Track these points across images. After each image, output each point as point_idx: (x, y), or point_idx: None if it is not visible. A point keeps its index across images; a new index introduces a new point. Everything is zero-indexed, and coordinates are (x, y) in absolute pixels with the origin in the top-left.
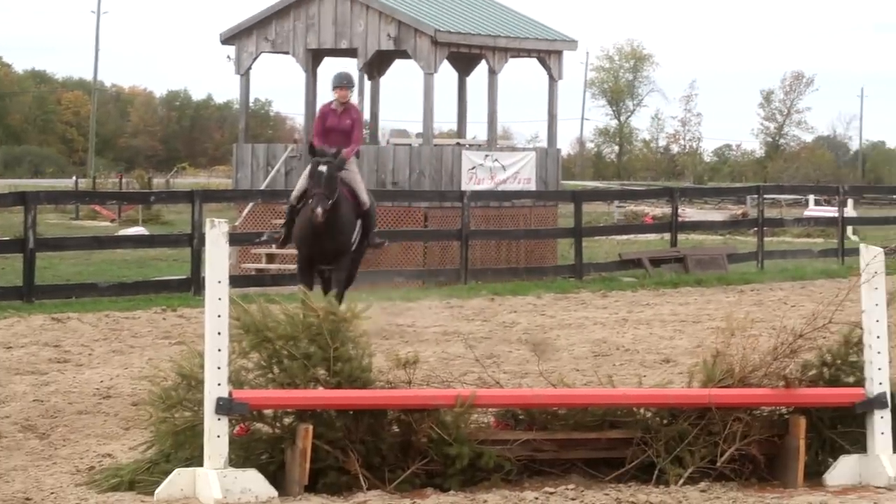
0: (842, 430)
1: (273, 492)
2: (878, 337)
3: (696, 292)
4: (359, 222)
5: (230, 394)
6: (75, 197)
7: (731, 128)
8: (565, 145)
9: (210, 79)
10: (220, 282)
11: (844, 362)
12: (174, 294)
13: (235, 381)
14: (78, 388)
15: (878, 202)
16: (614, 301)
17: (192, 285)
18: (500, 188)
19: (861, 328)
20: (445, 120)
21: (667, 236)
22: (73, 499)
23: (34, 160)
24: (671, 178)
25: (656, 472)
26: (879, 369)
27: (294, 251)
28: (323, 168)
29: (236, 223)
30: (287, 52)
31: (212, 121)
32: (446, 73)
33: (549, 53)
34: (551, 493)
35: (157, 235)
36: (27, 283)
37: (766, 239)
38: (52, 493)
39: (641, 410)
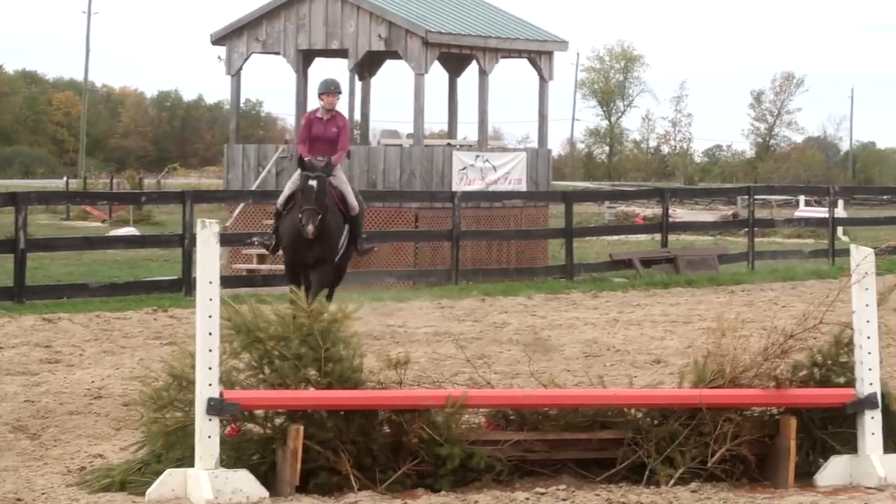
0: (832, 430)
1: (264, 492)
2: (868, 337)
3: (686, 293)
4: (346, 227)
5: (221, 394)
6: (66, 197)
7: (721, 128)
8: (556, 146)
9: (201, 79)
10: (211, 282)
11: (835, 363)
12: (165, 294)
13: (226, 381)
14: (69, 389)
15: (869, 203)
16: (605, 301)
17: (183, 286)
18: (490, 189)
19: (851, 329)
20: (436, 120)
21: (657, 237)
22: (65, 499)
23: (25, 161)
24: (662, 179)
25: (647, 472)
26: (870, 370)
27: None
28: (313, 183)
29: (227, 224)
30: (278, 53)
31: (202, 121)
32: (437, 74)
33: (539, 54)
34: (542, 494)
35: (148, 236)
36: (18, 283)
37: (756, 239)
38: (43, 493)
39: (632, 411)
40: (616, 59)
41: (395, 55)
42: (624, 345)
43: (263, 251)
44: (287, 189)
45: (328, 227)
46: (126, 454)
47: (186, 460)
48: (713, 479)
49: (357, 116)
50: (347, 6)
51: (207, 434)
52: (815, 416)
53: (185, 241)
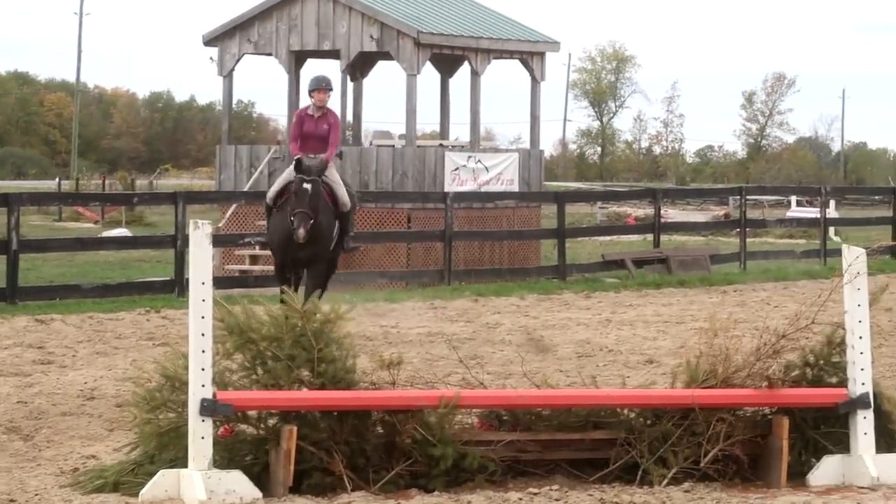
0: (825, 430)
1: (257, 493)
2: (860, 337)
3: (678, 293)
4: (336, 223)
5: (214, 395)
6: (58, 198)
7: (713, 129)
8: (548, 146)
9: (193, 80)
10: (203, 283)
11: (827, 363)
12: (158, 295)
13: (220, 382)
14: (62, 390)
15: (860, 203)
16: (597, 302)
17: (176, 286)
18: (483, 189)
19: (843, 329)
20: (428, 121)
21: (650, 237)
22: (58, 500)
23: (17, 162)
24: (654, 180)
25: (640, 472)
26: (862, 369)
27: None
28: (307, 186)
29: (220, 224)
30: (270, 54)
31: (195, 122)
32: (429, 75)
33: (531, 55)
34: (535, 494)
35: (141, 237)
36: (10, 284)
37: (748, 240)
38: (36, 494)
39: (625, 411)
40: (608, 60)
41: (387, 56)
42: (616, 345)
43: (256, 252)
44: (278, 184)
45: (319, 226)
46: (119, 455)
47: (179, 461)
48: (706, 478)
49: (349, 117)
50: (339, 7)
51: (200, 435)
52: (807, 415)
53: (177, 242)
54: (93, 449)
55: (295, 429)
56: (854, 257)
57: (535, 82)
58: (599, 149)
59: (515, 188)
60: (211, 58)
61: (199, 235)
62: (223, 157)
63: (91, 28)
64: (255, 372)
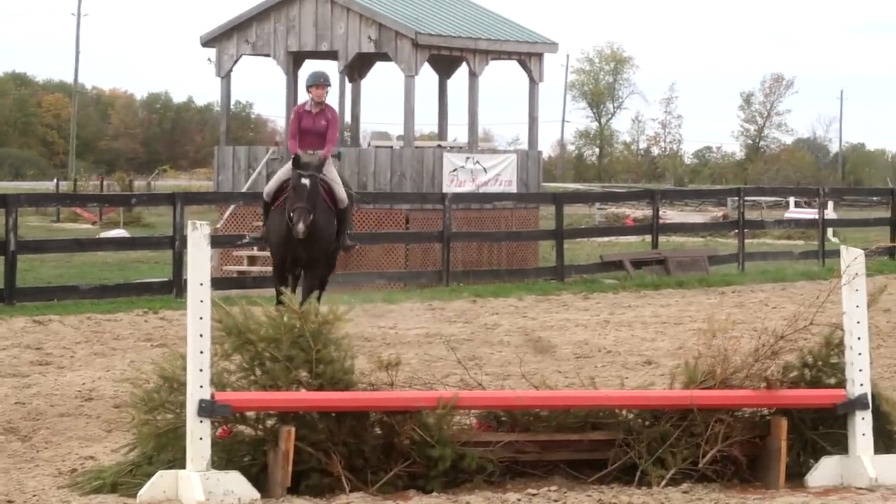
0: (823, 431)
1: (255, 494)
2: (858, 338)
3: (677, 294)
4: (334, 221)
5: (212, 396)
6: (56, 199)
7: (711, 130)
8: (546, 147)
9: (191, 81)
10: (201, 284)
11: (825, 364)
12: (156, 296)
13: (218, 383)
14: (60, 391)
15: (858, 204)
16: (596, 303)
17: (174, 287)
18: (481, 190)
19: (842, 330)
20: (426, 122)
21: (648, 238)
22: (56, 501)
23: (15, 163)
24: (652, 181)
25: (638, 473)
26: (860, 370)
27: None
28: (306, 182)
29: (218, 225)
30: (268, 55)
31: (192, 123)
32: (427, 76)
33: (529, 56)
34: (534, 495)
35: (139, 238)
36: (8, 285)
37: (746, 241)
38: (34, 495)
39: (623, 412)
40: (606, 61)
41: (385, 57)
42: (615, 346)
43: (254, 253)
44: (275, 180)
45: (318, 225)
46: (117, 456)
47: (178, 462)
48: (704, 479)
49: (347, 118)
50: (337, 8)
51: (199, 436)
52: (805, 416)
53: (175, 243)
54: (91, 450)
55: (293, 430)
56: (852, 258)
57: (534, 83)
58: (598, 150)
59: (514, 189)
60: (209, 59)
61: (198, 236)
62: (221, 158)
63: (89, 29)
64: (254, 373)
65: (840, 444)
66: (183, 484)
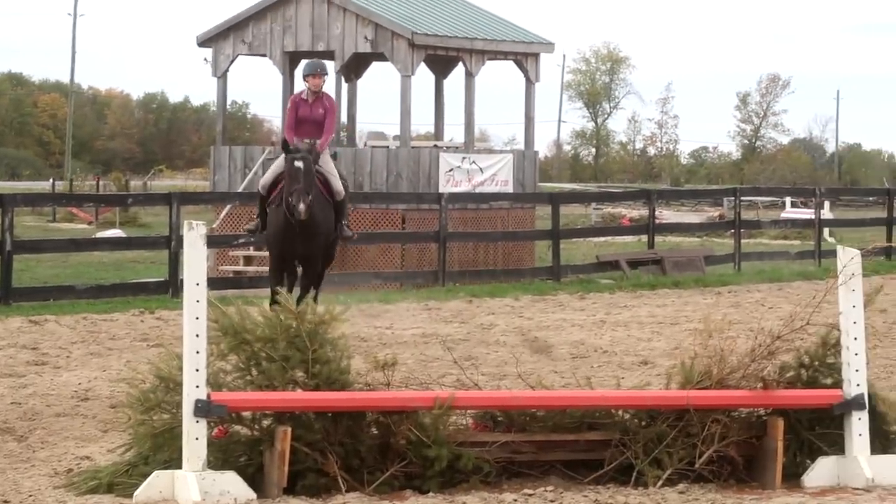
0: (820, 431)
1: (251, 494)
2: (855, 338)
3: (673, 294)
4: (332, 213)
5: (209, 396)
6: (52, 199)
7: (707, 130)
8: (542, 147)
9: (187, 81)
10: (198, 284)
11: (822, 364)
12: (152, 296)
13: (214, 383)
14: (56, 391)
15: (855, 204)
16: (592, 303)
17: (170, 287)
18: (477, 190)
19: (838, 330)
20: (423, 122)
21: (644, 238)
22: (52, 501)
23: (11, 163)
24: (648, 181)
25: (635, 473)
26: (857, 371)
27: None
28: (299, 164)
29: (214, 225)
30: (264, 55)
31: (189, 123)
32: (423, 76)
33: (525, 56)
34: (530, 495)
35: (135, 238)
36: (4, 285)
37: (743, 241)
38: (30, 495)
39: (620, 412)
40: (602, 61)
41: (381, 57)
42: (611, 346)
43: (250, 253)
44: (271, 172)
45: (316, 218)
46: (113, 456)
47: (174, 462)
48: (701, 480)
49: (344, 118)
50: (334, 8)
51: (195, 436)
52: (802, 417)
53: (171, 243)
54: (87, 450)
55: (289, 430)
56: (849, 258)
57: (530, 83)
58: (594, 150)
59: (510, 189)
60: (205, 59)
61: (194, 236)
62: (217, 158)
63: (85, 29)
64: (250, 373)
65: (836, 445)
66: (179, 484)
